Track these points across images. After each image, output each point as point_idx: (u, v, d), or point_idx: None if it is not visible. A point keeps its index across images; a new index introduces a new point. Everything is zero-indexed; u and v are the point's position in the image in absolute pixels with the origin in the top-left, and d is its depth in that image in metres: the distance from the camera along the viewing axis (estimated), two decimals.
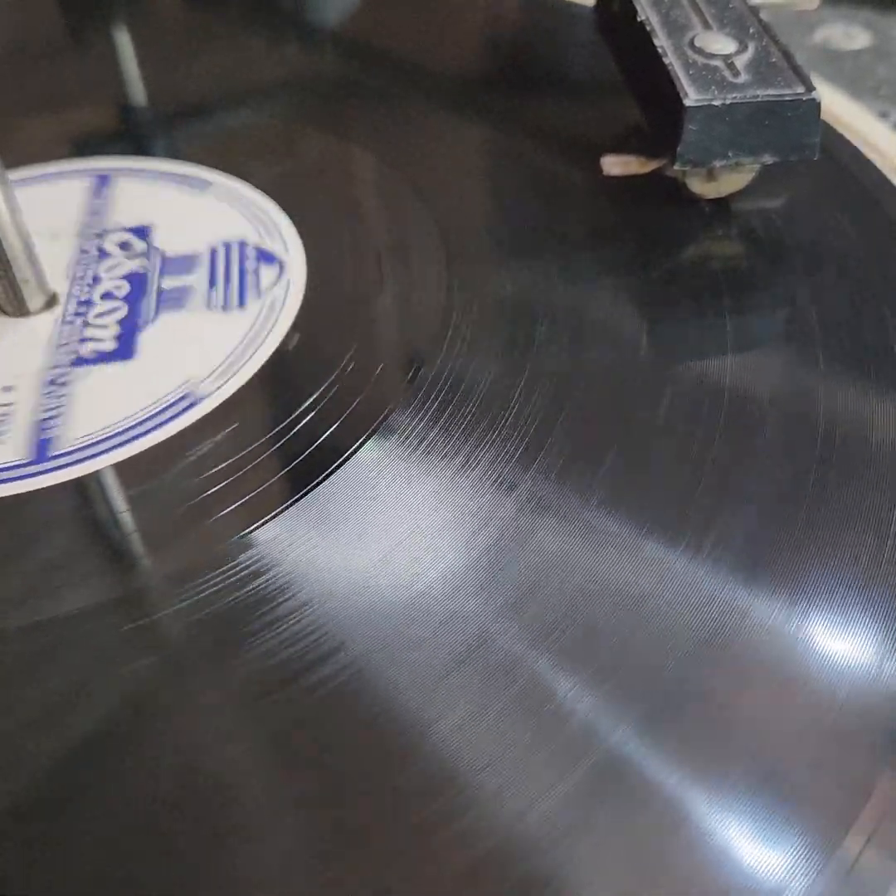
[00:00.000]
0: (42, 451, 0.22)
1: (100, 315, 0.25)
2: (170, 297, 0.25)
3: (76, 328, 0.25)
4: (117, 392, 0.23)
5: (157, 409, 0.22)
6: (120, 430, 0.22)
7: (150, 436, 0.22)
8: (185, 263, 0.26)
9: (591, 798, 0.16)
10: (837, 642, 0.18)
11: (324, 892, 0.15)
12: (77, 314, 0.25)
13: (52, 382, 0.24)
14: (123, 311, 0.25)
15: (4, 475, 0.22)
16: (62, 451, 0.22)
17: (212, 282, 0.25)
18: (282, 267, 0.25)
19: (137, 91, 0.34)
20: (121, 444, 0.22)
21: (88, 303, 0.26)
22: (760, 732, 0.16)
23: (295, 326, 0.24)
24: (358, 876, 0.15)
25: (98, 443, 0.22)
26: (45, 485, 0.21)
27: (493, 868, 0.15)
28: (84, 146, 0.31)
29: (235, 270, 0.26)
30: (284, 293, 0.25)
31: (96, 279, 0.26)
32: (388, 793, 0.16)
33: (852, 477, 0.20)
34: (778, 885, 0.15)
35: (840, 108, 0.29)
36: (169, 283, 0.26)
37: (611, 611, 0.18)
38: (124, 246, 0.27)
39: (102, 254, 0.27)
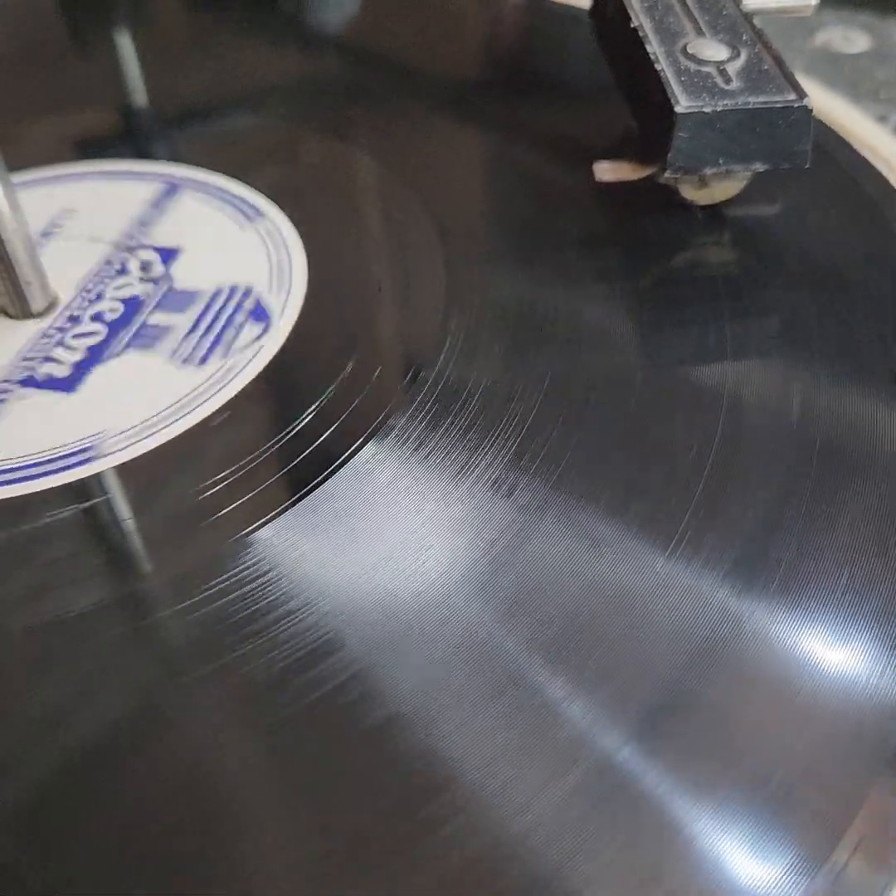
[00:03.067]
0: None
1: (78, 335, 0.24)
2: (147, 334, 0.24)
3: (51, 343, 0.24)
4: (36, 426, 0.22)
5: (53, 456, 0.21)
6: (11, 467, 0.21)
7: (30, 483, 0.21)
8: (183, 300, 0.25)
9: (585, 803, 0.15)
10: (832, 650, 0.18)
11: (322, 891, 0.15)
12: (61, 329, 0.24)
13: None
14: (100, 337, 0.24)
15: None
16: None
17: (194, 327, 0.24)
18: (266, 328, 0.24)
19: (140, 94, 0.34)
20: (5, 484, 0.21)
21: (77, 319, 0.25)
22: (753, 740, 0.16)
23: (230, 403, 0.22)
24: (356, 877, 0.15)
25: None
26: None
27: (489, 869, 0.15)
28: (86, 148, 0.31)
29: (222, 321, 0.24)
30: (251, 357, 0.23)
31: (100, 296, 0.25)
32: (386, 793, 0.16)
33: (851, 484, 0.20)
34: (768, 893, 0.15)
35: (839, 112, 0.29)
36: (156, 318, 0.24)
37: (607, 615, 0.18)
38: (145, 266, 0.26)
39: (122, 270, 0.26)
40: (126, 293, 0.25)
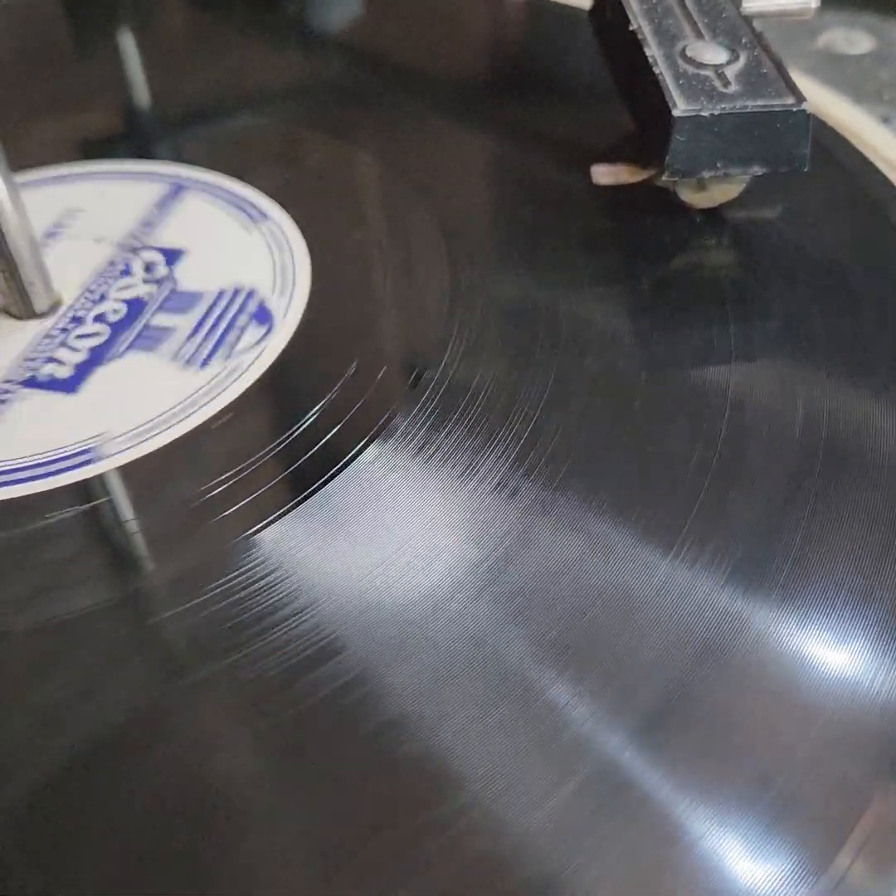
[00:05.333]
0: None
1: (81, 336, 0.24)
2: (149, 335, 0.24)
3: (54, 344, 0.24)
4: (37, 426, 0.22)
5: (55, 458, 0.21)
6: (11, 468, 0.21)
7: (30, 484, 0.21)
8: (186, 301, 0.25)
9: (588, 806, 0.15)
10: (835, 653, 0.18)
11: (324, 894, 0.15)
12: (63, 330, 0.24)
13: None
14: (102, 338, 0.24)
15: None
16: None
17: (196, 329, 0.24)
18: (269, 330, 0.24)
19: (144, 95, 0.35)
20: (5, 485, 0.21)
21: (80, 320, 0.25)
22: (757, 742, 0.16)
23: (232, 405, 0.22)
24: (359, 879, 0.15)
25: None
26: None
27: (491, 873, 0.15)
28: (91, 148, 0.31)
29: (224, 323, 0.24)
30: (253, 359, 0.23)
31: (103, 297, 0.25)
32: (389, 796, 0.16)
33: (854, 485, 0.20)
34: (773, 895, 0.15)
35: (842, 114, 0.29)
36: (158, 319, 0.24)
37: (611, 617, 0.18)
38: (149, 267, 0.26)
39: (126, 271, 0.26)
40: (129, 294, 0.25)
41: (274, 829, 0.16)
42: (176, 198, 0.28)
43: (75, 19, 0.40)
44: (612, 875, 0.15)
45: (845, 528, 0.19)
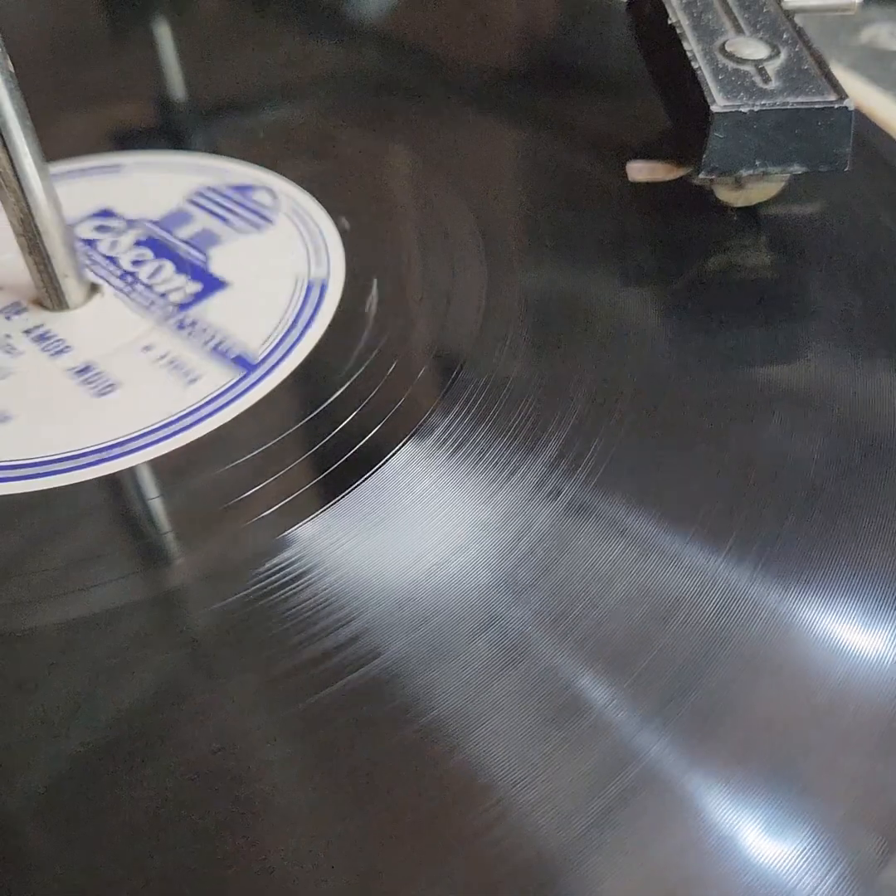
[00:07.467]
0: (246, 363, 0.24)
1: (151, 275, 0.27)
2: (198, 240, 0.28)
3: (143, 291, 0.27)
4: (250, 304, 0.25)
5: (302, 301, 0.25)
6: (291, 321, 0.25)
7: (319, 317, 0.25)
8: (178, 218, 0.29)
9: (626, 812, 0.16)
10: (880, 651, 0.18)
11: None
12: (130, 284, 0.27)
13: (181, 326, 0.26)
14: (170, 266, 0.28)
15: (234, 392, 0.23)
16: (263, 357, 0.24)
17: (221, 218, 0.29)
18: (271, 190, 0.30)
19: (178, 87, 0.35)
20: (305, 330, 0.25)
21: (129, 274, 0.27)
22: (800, 742, 0.17)
23: (338, 214, 0.28)
24: (390, 885, 0.15)
25: (283, 338, 0.24)
26: (275, 385, 0.23)
27: (526, 881, 0.15)
28: (122, 141, 0.31)
29: (232, 204, 0.29)
30: (293, 203, 0.28)
31: (111, 259, 0.28)
32: (423, 801, 0.16)
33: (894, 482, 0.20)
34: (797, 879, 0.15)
35: (885, 109, 0.30)
36: (183, 232, 0.29)
37: (653, 619, 0.18)
38: (102, 229, 0.29)
39: (87, 242, 0.28)
40: (128, 243, 0.28)
41: (306, 832, 0.16)
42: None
43: (110, 9, 0.35)
44: (651, 880, 0.15)
45: (890, 527, 0.19)
